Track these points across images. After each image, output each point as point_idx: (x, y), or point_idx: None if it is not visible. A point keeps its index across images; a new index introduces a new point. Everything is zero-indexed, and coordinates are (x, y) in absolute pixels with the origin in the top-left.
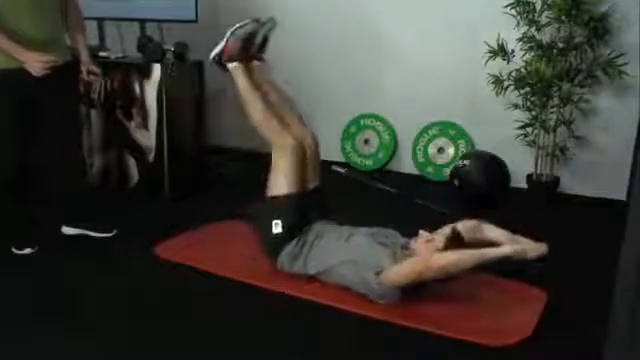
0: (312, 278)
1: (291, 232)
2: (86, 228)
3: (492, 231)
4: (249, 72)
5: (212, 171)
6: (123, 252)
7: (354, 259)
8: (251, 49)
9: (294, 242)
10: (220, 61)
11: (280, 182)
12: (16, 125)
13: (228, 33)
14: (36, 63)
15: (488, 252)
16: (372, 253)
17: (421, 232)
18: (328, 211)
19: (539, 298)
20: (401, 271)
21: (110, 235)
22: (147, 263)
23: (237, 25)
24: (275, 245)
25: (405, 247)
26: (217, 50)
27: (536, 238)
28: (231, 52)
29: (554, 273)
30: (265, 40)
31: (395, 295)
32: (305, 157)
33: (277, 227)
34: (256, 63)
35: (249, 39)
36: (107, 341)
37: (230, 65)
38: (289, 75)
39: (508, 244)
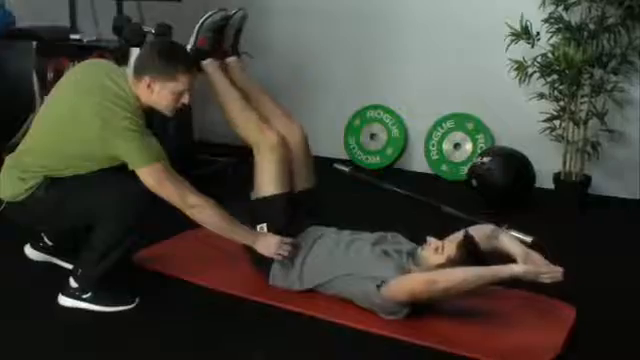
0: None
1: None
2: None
3: (508, 242)
4: (224, 68)
5: (201, 169)
6: None
7: (355, 271)
8: (224, 43)
9: (279, 262)
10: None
11: (265, 183)
12: None
13: (197, 27)
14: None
15: (497, 271)
16: (375, 263)
17: (429, 239)
18: (321, 215)
19: (568, 313)
20: (402, 287)
21: None
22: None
23: (205, 16)
24: (262, 255)
25: (411, 255)
26: (189, 47)
27: (563, 246)
28: (204, 47)
29: (585, 285)
30: (238, 32)
31: (402, 310)
32: (291, 155)
33: (262, 232)
34: (231, 58)
35: (220, 31)
36: None
37: (204, 62)
38: (286, 63)
39: (521, 262)
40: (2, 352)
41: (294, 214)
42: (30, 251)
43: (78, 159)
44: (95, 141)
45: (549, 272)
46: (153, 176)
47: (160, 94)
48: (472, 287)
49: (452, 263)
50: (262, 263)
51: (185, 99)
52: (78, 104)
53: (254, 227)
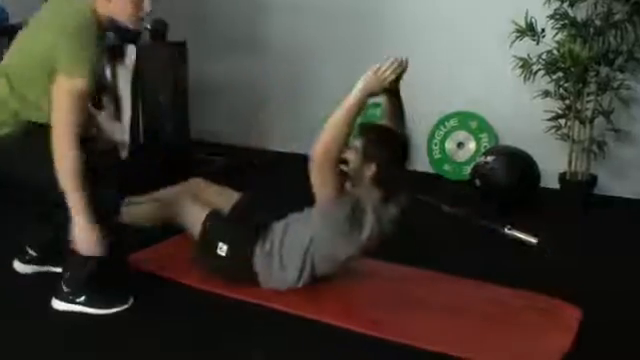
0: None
1: (238, 246)
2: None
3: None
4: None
5: (199, 168)
6: None
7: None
8: None
9: (260, 258)
10: None
11: (196, 216)
12: None
13: None
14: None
15: (348, 101)
16: None
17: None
18: (263, 202)
19: (573, 315)
20: (314, 181)
21: None
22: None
23: None
24: (236, 265)
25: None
26: None
27: (569, 246)
28: None
29: (589, 286)
30: None
31: (334, 196)
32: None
33: (222, 250)
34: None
35: None
36: None
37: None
38: (285, 60)
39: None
40: (1, 353)
41: (241, 214)
42: (18, 265)
43: (40, 86)
44: (50, 51)
45: (386, 67)
46: (71, 91)
47: (117, 3)
48: (344, 123)
49: (365, 151)
50: (239, 272)
51: (146, 6)
52: (43, 17)
53: (214, 252)
